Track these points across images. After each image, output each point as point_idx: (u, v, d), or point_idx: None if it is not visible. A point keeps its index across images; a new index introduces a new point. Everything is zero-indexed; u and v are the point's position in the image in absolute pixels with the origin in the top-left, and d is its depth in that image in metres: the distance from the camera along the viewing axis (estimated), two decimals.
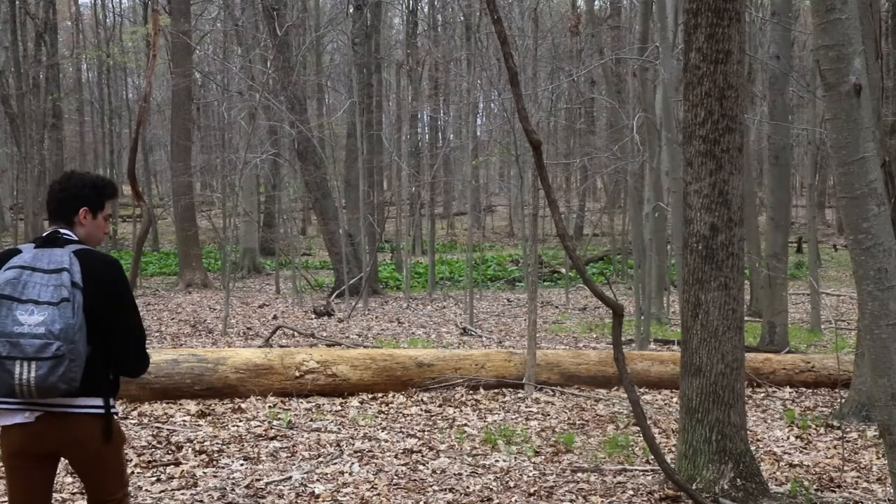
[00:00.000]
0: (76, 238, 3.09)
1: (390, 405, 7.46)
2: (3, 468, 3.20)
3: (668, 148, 11.40)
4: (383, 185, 32.12)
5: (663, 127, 11.86)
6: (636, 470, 5.64)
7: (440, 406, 7.45)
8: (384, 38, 26.85)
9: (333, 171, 18.22)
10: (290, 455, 5.91)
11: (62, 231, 3.08)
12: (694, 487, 4.92)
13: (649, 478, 5.46)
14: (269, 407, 7.21)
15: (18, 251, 3.03)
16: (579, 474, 5.56)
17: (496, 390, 8.04)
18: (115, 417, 3.13)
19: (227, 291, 12.88)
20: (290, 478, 5.38)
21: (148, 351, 3.19)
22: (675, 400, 7.74)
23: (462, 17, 23.31)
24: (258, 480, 5.32)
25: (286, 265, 20.71)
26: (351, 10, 20.03)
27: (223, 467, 5.60)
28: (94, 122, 34.18)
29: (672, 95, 11.20)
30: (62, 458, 3.16)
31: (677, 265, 12.26)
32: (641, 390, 8.12)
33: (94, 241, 3.17)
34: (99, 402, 3.03)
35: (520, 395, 7.92)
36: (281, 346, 10.03)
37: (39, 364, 2.81)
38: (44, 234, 3.09)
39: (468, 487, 5.24)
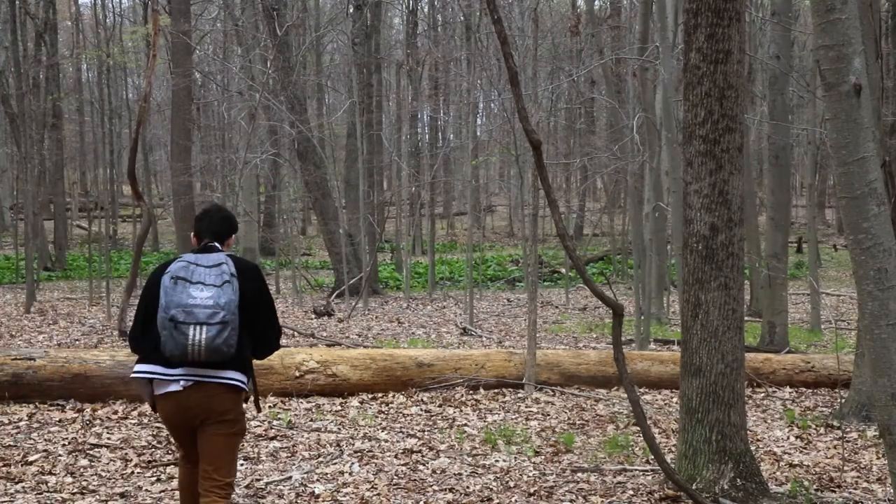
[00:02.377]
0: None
1: (390, 405, 7.46)
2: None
3: (668, 148, 11.40)
4: (383, 185, 32.08)
5: (663, 127, 11.86)
6: (636, 470, 5.64)
7: (440, 406, 7.45)
8: (384, 38, 26.84)
9: (333, 171, 18.21)
10: (290, 455, 5.91)
11: (213, 243, 3.82)
12: (694, 487, 4.93)
13: (649, 478, 5.46)
14: (269, 407, 7.21)
15: (179, 256, 3.73)
16: (579, 474, 5.56)
17: (496, 390, 8.04)
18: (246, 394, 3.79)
19: None
20: (290, 478, 5.38)
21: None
22: (675, 400, 7.74)
23: (462, 17, 23.30)
24: (258, 480, 5.33)
25: (286, 265, 20.70)
26: (351, 10, 20.04)
27: None
28: (94, 122, 34.12)
29: (672, 95, 11.20)
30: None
31: (677, 265, 12.26)
32: (641, 390, 8.11)
33: None
34: (241, 376, 3.67)
35: (520, 395, 7.92)
36: (281, 346, 10.02)
37: (209, 328, 3.48)
38: (201, 245, 3.83)
39: (468, 487, 5.24)
